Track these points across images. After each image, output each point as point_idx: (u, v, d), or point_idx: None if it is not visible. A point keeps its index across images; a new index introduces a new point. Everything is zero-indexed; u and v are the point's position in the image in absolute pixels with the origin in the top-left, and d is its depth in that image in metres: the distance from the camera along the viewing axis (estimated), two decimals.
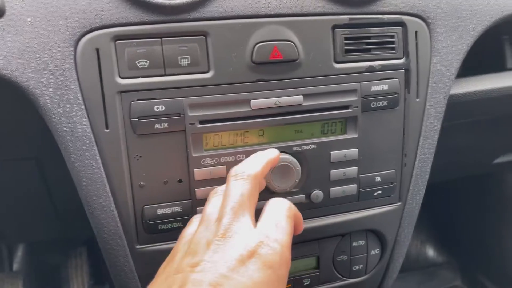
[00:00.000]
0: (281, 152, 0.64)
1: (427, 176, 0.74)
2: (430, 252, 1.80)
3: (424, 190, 0.74)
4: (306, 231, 0.69)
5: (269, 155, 0.58)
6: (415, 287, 1.73)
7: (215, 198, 0.53)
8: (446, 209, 1.69)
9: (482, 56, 0.90)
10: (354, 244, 0.75)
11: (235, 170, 0.53)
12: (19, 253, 1.43)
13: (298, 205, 0.67)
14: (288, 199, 0.66)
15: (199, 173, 0.62)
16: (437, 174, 0.81)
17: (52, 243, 1.45)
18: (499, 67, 0.88)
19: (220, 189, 0.55)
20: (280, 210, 0.53)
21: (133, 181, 0.60)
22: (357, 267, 0.77)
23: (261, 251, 0.45)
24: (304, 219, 0.69)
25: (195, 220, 0.54)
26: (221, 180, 0.62)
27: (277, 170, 0.63)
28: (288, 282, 0.73)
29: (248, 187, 0.51)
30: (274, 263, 0.45)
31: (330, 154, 0.66)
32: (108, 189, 0.60)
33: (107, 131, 0.58)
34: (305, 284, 0.74)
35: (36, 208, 0.78)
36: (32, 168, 0.67)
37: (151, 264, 0.64)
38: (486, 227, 1.62)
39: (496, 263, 1.60)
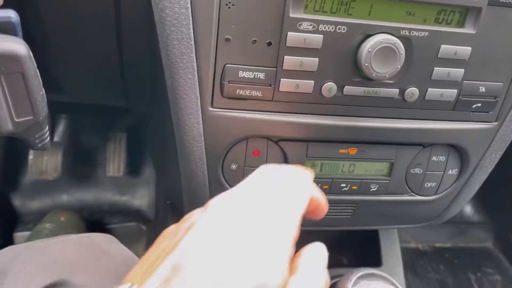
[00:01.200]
0: (386, 33, 0.56)
1: None
2: (468, 209, 1.74)
3: None
4: (388, 131, 0.63)
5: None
6: (444, 240, 1.69)
7: None
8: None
9: None
10: (433, 158, 0.68)
11: None
12: (61, 126, 1.43)
13: (388, 100, 0.61)
14: (381, 91, 0.60)
15: (292, 37, 0.54)
16: None
17: (94, 123, 1.44)
18: None
19: None
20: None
21: (220, 32, 0.54)
22: (429, 184, 0.71)
23: None
24: (390, 118, 0.63)
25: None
26: (313, 52, 0.55)
27: (379, 52, 0.55)
28: (355, 184, 0.68)
29: None
30: None
31: (439, 47, 0.58)
32: (192, 35, 0.53)
33: None
34: (371, 190, 0.69)
35: (104, 69, 0.73)
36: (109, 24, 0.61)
37: (219, 131, 0.60)
38: None
39: None
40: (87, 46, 0.67)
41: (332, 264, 0.97)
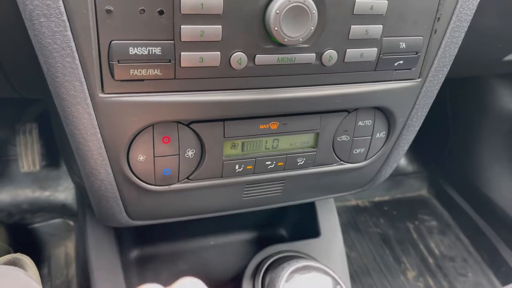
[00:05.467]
0: None
1: (456, 50, 0.62)
2: (402, 161, 1.78)
3: (449, 67, 0.63)
4: (309, 100, 0.58)
5: None
6: (382, 194, 1.73)
7: None
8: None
9: None
10: (360, 123, 0.64)
11: None
12: None
13: (305, 66, 0.55)
14: (296, 57, 0.54)
15: (187, 3, 0.46)
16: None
17: None
18: None
19: None
20: None
21: (98, 2, 0.44)
22: (358, 151, 0.67)
23: None
24: (309, 85, 0.57)
25: None
26: (214, 19, 0.48)
27: (289, 13, 0.48)
28: (280, 160, 0.63)
29: None
30: None
31: (354, 2, 0.52)
32: (62, 8, 0.43)
33: None
34: (298, 164, 0.64)
35: None
36: None
37: (117, 120, 0.51)
38: (458, 136, 1.59)
39: (462, 172, 1.60)
40: None
41: (273, 239, 0.94)
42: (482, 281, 1.41)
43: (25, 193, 1.33)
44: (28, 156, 1.27)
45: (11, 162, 1.31)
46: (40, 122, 1.30)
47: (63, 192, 1.35)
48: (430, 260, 1.47)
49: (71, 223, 1.31)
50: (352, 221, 1.60)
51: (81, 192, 0.82)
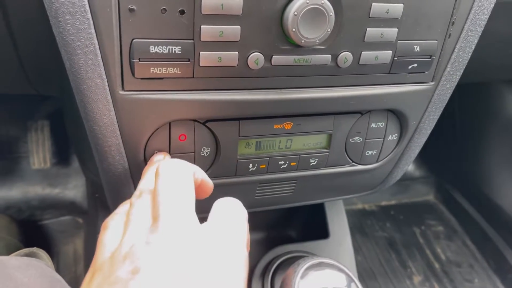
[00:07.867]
0: None
1: (470, 54, 0.62)
2: (409, 165, 1.78)
3: (462, 71, 0.64)
4: (323, 101, 0.59)
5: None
6: (388, 198, 1.73)
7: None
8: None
9: None
10: (372, 125, 0.65)
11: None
12: None
13: (321, 68, 0.56)
14: (312, 58, 0.55)
15: (207, 3, 0.47)
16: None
17: (11, 113, 1.29)
18: None
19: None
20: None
21: (121, 1, 0.45)
22: (370, 153, 0.68)
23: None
24: (324, 86, 0.58)
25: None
26: (234, 19, 0.49)
27: (307, 15, 0.49)
28: (293, 160, 0.64)
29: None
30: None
31: (371, 5, 0.53)
32: (87, 7, 0.44)
33: None
34: (311, 165, 0.65)
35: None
36: None
37: (136, 117, 0.52)
38: (466, 142, 1.59)
39: (469, 178, 1.60)
40: None
41: (282, 240, 0.95)
42: (488, 287, 1.40)
43: (35, 190, 1.35)
44: (39, 153, 1.28)
45: (22, 159, 1.33)
46: (52, 119, 1.31)
47: (73, 190, 1.37)
48: (436, 265, 1.47)
49: (80, 220, 1.32)
50: (358, 224, 1.60)
51: (95, 188, 0.83)
